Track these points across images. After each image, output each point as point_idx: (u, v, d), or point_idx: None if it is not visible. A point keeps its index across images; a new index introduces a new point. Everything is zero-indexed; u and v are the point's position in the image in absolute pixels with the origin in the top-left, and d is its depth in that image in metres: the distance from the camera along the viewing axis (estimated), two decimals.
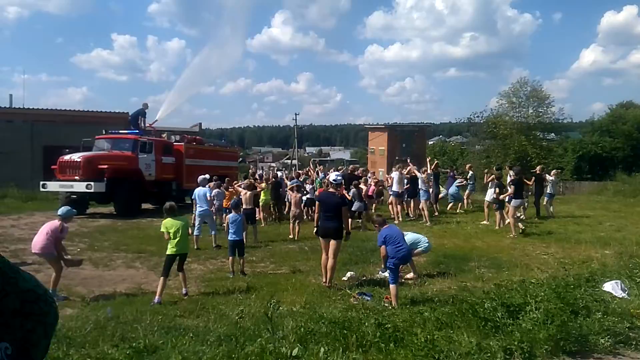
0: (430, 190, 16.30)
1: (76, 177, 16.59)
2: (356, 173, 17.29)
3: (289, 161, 66.90)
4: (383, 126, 52.32)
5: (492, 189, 14.28)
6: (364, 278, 8.57)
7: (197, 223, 11.61)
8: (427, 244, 8.78)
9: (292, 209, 13.39)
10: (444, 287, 8.03)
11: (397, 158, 34.98)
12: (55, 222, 7.37)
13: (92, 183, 16.26)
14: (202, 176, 12.63)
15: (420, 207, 15.54)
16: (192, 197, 12.23)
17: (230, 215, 8.78)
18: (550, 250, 10.71)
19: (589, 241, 11.48)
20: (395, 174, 15.86)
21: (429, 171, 16.23)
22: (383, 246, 7.18)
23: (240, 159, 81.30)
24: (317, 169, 19.09)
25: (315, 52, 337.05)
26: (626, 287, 6.51)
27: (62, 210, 7.48)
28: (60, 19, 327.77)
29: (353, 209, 13.59)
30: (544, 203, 16.11)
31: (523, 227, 12.76)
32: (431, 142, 71.65)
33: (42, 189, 17.10)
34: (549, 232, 13.15)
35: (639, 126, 41.95)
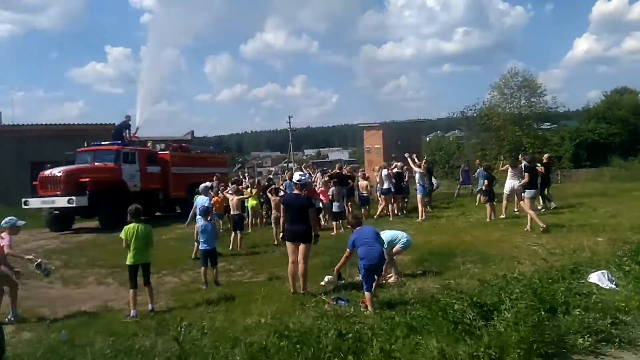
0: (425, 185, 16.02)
1: (57, 192, 16.21)
2: (344, 172, 16.86)
3: (291, 164, 66.52)
4: (377, 124, 51.86)
5: (512, 180, 13.06)
6: (343, 282, 8.14)
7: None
8: (406, 239, 8.31)
9: (272, 212, 12.96)
10: (425, 286, 7.61)
11: (392, 155, 34.58)
12: None
13: (73, 197, 15.88)
14: (204, 184, 12.10)
15: (418, 202, 15.11)
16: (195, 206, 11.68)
17: (200, 223, 8.37)
18: (541, 241, 10.27)
19: (581, 229, 11.07)
20: (383, 171, 15.53)
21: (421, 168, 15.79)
22: (349, 250, 6.78)
23: (240, 164, 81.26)
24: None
25: (309, 54, 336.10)
26: (613, 278, 6.08)
27: (5, 220, 6.99)
28: (53, 34, 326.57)
29: (334, 209, 13.21)
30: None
31: (544, 226, 11.23)
32: (429, 138, 71.16)
33: (24, 206, 16.68)
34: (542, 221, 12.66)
35: (634, 111, 41.46)
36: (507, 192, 13.39)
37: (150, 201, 18.86)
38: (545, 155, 16.47)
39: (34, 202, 16.61)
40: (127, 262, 7.25)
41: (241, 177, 18.11)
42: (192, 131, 34.46)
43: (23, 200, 16.75)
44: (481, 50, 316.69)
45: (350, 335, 4.60)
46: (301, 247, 7.37)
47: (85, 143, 19.15)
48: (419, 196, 14.83)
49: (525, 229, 11.66)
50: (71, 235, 15.93)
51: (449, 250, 10.09)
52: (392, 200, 16.07)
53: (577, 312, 4.54)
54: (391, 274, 8.16)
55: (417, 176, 15.20)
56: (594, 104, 46.44)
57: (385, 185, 15.30)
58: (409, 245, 8.55)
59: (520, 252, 9.53)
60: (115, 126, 20.85)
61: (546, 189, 15.18)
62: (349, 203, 16.16)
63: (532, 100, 33.25)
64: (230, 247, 11.65)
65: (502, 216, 13.71)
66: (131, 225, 7.24)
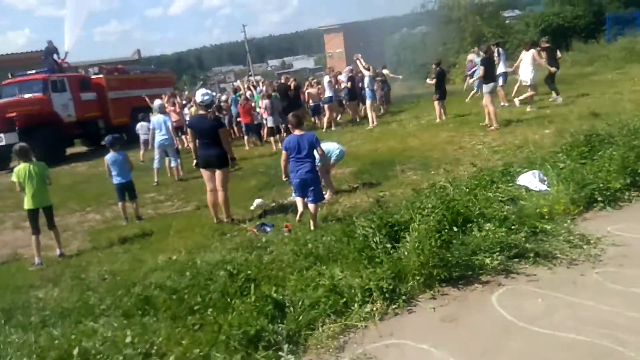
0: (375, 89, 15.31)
1: None
2: (289, 84, 15.84)
3: (252, 78, 63.99)
4: (338, 26, 49.29)
5: (529, 66, 12.28)
6: (274, 204, 7.62)
7: (157, 155, 10.66)
8: (338, 151, 7.77)
9: None
10: (359, 200, 7.15)
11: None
12: None
13: (1, 135, 14.76)
14: (157, 102, 11.52)
15: (367, 107, 14.38)
16: (151, 127, 10.99)
17: (109, 155, 7.56)
18: (487, 139, 9.80)
19: (531, 122, 10.59)
20: (325, 79, 14.62)
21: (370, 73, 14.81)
22: (284, 152, 6.16)
23: (201, 82, 78.09)
24: (250, 84, 17.61)
25: None
26: (545, 177, 5.60)
27: None
28: None
29: (269, 124, 12.45)
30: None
31: (498, 126, 10.72)
32: (397, 37, 68.31)
33: None
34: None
35: None
36: (525, 80, 12.59)
37: (90, 131, 17.75)
38: (543, 40, 15.24)
39: None
40: (25, 207, 6.57)
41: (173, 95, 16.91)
42: (139, 50, 31.96)
43: None
44: None
45: (241, 275, 4.06)
46: (217, 173, 6.70)
47: (10, 75, 17.55)
48: (368, 102, 14.07)
49: (484, 124, 11.04)
50: (7, 175, 14.92)
51: (392, 157, 9.58)
52: (345, 107, 15.42)
53: (488, 227, 4.04)
54: (325, 192, 7.64)
55: (366, 80, 14.30)
56: None
57: (328, 94, 14.46)
58: (342, 157, 8.05)
59: (464, 153, 9.08)
60: (43, 54, 19.05)
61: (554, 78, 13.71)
62: (304, 114, 15.58)
63: None
64: (169, 174, 11.02)
65: (528, 109, 12.30)
66: (21, 166, 6.48)
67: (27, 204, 6.49)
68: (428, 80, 13.30)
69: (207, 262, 5.03)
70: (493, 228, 4.01)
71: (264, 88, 15.15)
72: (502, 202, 4.85)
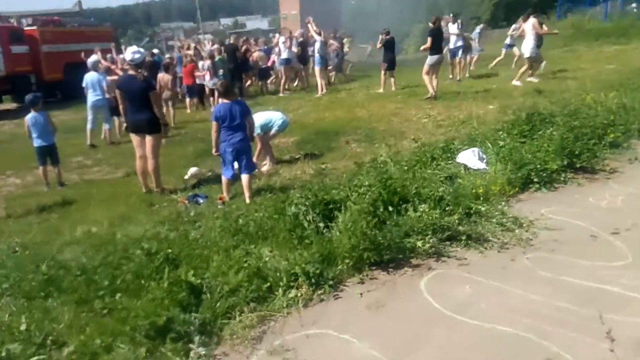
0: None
1: None
2: (240, 45, 15.15)
3: (202, 36, 61.53)
4: None
5: (531, 36, 11.41)
6: (210, 174, 7.25)
7: (90, 115, 9.88)
8: (281, 121, 7.38)
9: (163, 92, 11.40)
10: (299, 172, 6.89)
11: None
12: None
13: None
14: (92, 58, 10.67)
15: (316, 74, 13.93)
16: (84, 86, 9.99)
17: (29, 116, 6.91)
18: (433, 112, 9.70)
19: (476, 96, 10.58)
20: (280, 39, 14.06)
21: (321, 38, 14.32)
22: (215, 122, 5.80)
23: (148, 38, 74.45)
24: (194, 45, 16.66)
25: None
26: (485, 155, 5.53)
27: None
28: None
29: (210, 86, 11.90)
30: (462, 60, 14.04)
31: (433, 93, 10.93)
32: (353, 2, 67.28)
33: None
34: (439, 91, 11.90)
35: None
36: (527, 54, 11.66)
37: (20, 86, 16.46)
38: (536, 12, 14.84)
39: None
40: None
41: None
42: (80, 1, 29.76)
43: None
44: None
45: (159, 254, 3.75)
46: (148, 139, 6.24)
47: None
48: (316, 68, 13.63)
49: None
50: None
51: (337, 128, 9.35)
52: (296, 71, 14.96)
53: (423, 208, 3.89)
54: (265, 162, 7.35)
55: (316, 45, 13.83)
56: None
57: (285, 55, 13.90)
58: (285, 127, 7.67)
59: (410, 126, 8.95)
60: None
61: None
62: (252, 77, 15.09)
63: None
64: (102, 136, 10.29)
65: (534, 79, 11.80)
66: None
67: None
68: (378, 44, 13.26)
69: (128, 236, 4.68)
70: (428, 209, 3.87)
71: (214, 47, 14.41)
72: (440, 181, 4.71)
